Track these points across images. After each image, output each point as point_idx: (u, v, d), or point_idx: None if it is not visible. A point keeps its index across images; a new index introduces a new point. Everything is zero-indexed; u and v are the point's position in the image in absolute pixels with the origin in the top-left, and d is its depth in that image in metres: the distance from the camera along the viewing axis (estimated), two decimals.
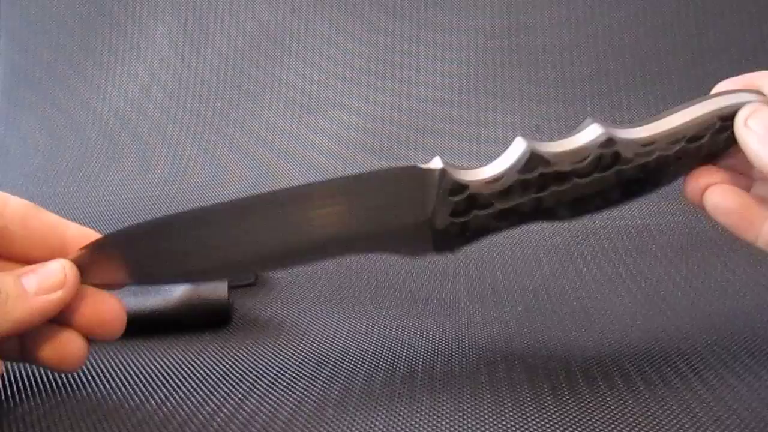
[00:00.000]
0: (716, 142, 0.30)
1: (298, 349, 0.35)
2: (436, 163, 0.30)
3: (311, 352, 0.35)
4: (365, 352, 0.35)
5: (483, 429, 0.26)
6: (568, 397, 0.29)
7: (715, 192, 0.31)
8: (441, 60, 0.71)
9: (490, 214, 0.30)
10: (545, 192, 0.29)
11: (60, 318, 0.28)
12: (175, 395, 0.29)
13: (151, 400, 0.29)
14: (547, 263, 0.52)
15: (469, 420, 0.27)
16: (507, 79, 0.69)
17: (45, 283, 0.27)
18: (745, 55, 0.67)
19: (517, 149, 0.30)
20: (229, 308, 0.40)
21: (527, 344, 0.36)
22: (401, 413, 0.28)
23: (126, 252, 0.29)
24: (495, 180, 0.29)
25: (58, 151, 0.74)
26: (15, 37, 0.79)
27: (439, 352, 0.35)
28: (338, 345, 0.36)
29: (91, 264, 0.28)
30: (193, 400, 0.29)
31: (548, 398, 0.29)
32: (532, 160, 0.29)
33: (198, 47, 0.75)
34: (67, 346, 0.28)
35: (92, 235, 0.29)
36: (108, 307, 0.29)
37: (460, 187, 0.29)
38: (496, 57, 0.70)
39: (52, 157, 0.74)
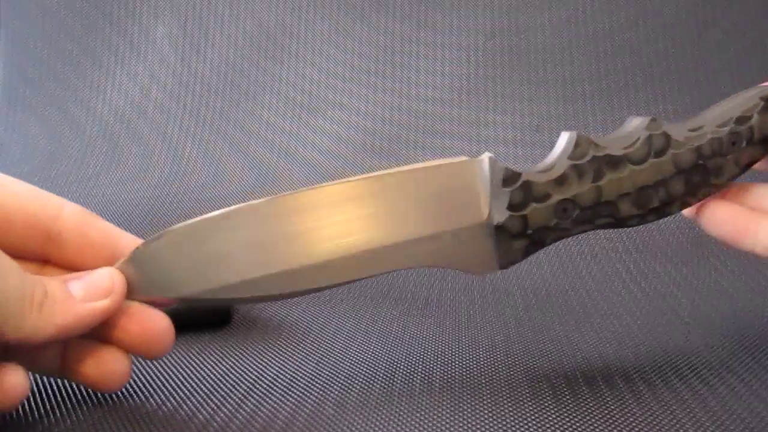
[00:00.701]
0: (766, 123, 0.30)
1: (298, 349, 0.35)
2: (484, 156, 0.29)
3: (311, 352, 0.35)
4: (365, 352, 0.35)
5: (482, 429, 0.26)
6: (567, 397, 0.29)
7: (706, 206, 0.31)
8: (441, 60, 0.71)
9: (550, 206, 0.29)
10: (603, 180, 0.29)
11: (105, 334, 0.27)
12: (175, 395, 0.29)
13: (151, 400, 0.29)
14: (547, 263, 0.53)
15: (469, 420, 0.27)
16: (507, 79, 0.69)
17: (92, 290, 0.26)
18: (746, 55, 0.67)
19: (563, 138, 0.30)
20: (229, 308, 0.40)
21: (527, 344, 0.36)
22: (400, 413, 0.28)
23: (164, 262, 0.27)
24: (547, 168, 0.29)
25: (58, 151, 0.75)
26: (15, 37, 0.79)
27: (439, 352, 0.35)
28: (338, 345, 0.36)
29: (135, 277, 0.27)
30: (193, 400, 0.29)
31: (548, 398, 0.29)
32: (581, 143, 0.29)
33: (198, 47, 0.75)
34: (111, 364, 0.27)
35: None
36: (155, 324, 0.27)
37: (514, 174, 0.28)
38: (496, 57, 0.70)
39: (52, 157, 0.74)
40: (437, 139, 0.69)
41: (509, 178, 0.28)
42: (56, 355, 0.28)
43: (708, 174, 0.30)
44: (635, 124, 0.30)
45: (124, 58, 0.77)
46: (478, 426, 0.27)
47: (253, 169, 0.69)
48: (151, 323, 0.27)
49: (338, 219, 0.28)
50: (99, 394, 0.29)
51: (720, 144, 0.30)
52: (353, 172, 0.68)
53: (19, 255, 0.27)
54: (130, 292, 0.27)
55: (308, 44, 0.73)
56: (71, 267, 0.28)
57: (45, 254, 0.28)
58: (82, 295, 0.25)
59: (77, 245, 0.27)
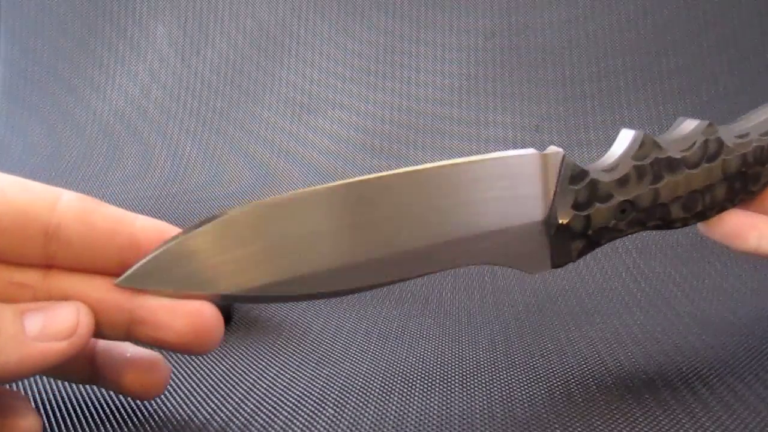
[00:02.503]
0: None
1: (298, 349, 0.35)
2: (556, 151, 0.28)
3: (311, 352, 0.35)
4: (365, 352, 0.35)
5: (483, 429, 0.26)
6: (566, 397, 0.29)
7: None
8: (441, 60, 0.71)
9: (612, 207, 0.28)
10: (660, 183, 0.29)
11: (150, 335, 0.24)
12: (176, 395, 0.29)
13: (151, 400, 0.29)
14: None
15: (469, 420, 0.27)
16: (507, 79, 0.69)
17: (51, 327, 0.22)
18: (745, 55, 0.67)
19: (627, 137, 0.29)
20: (230, 308, 0.40)
21: (527, 344, 0.36)
22: (400, 413, 0.28)
23: (208, 253, 0.24)
24: (612, 168, 0.29)
25: (58, 151, 0.75)
26: (15, 37, 0.79)
27: (439, 352, 0.35)
28: (338, 345, 0.36)
29: (169, 270, 0.24)
30: (193, 400, 0.29)
31: (546, 398, 0.29)
32: (645, 144, 0.29)
33: (198, 47, 0.75)
34: (152, 373, 0.26)
35: (165, 229, 0.24)
36: (204, 316, 0.24)
37: (582, 172, 0.28)
38: (496, 57, 0.70)
39: (52, 157, 0.74)
40: (437, 139, 0.69)
41: (577, 175, 0.28)
42: (85, 365, 0.26)
43: (747, 181, 0.30)
44: (691, 126, 0.30)
45: (124, 58, 0.77)
46: (478, 426, 0.27)
47: (253, 169, 0.69)
48: (202, 317, 0.24)
49: (394, 211, 0.26)
50: (98, 396, 0.29)
51: (762, 152, 0.30)
52: (353, 172, 0.68)
53: (17, 260, 0.23)
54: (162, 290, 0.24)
55: (308, 44, 0.73)
56: (81, 266, 0.24)
57: (49, 256, 0.23)
58: (37, 332, 0.21)
59: (83, 238, 0.23)
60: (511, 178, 0.27)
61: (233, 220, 0.24)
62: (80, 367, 0.26)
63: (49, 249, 0.23)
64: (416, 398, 0.29)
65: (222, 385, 0.30)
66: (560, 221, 0.28)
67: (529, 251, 0.28)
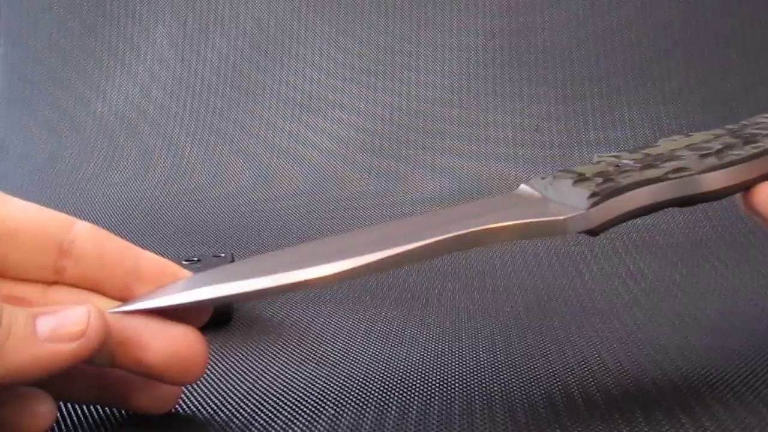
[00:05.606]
0: None
1: (298, 349, 0.35)
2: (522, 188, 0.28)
3: (311, 352, 0.35)
4: (365, 352, 0.35)
5: (483, 429, 0.26)
6: (566, 397, 0.29)
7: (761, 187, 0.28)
8: (441, 60, 0.71)
9: (601, 164, 0.27)
10: (644, 149, 0.28)
11: (135, 355, 0.24)
12: None
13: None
14: (547, 262, 0.52)
15: (469, 420, 0.27)
16: (507, 79, 0.69)
17: (61, 329, 0.22)
18: (745, 55, 0.67)
19: None
20: (230, 308, 0.40)
21: (527, 344, 0.36)
22: (400, 413, 0.28)
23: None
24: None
25: (58, 151, 0.75)
26: (15, 37, 0.80)
27: (439, 352, 0.35)
28: (338, 345, 0.36)
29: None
30: (194, 400, 0.29)
31: (545, 399, 0.29)
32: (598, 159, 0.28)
33: (198, 47, 0.75)
34: (166, 388, 0.26)
35: (167, 265, 0.25)
36: (189, 341, 0.24)
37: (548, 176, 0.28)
38: (496, 57, 0.70)
39: (52, 157, 0.74)
40: (437, 139, 0.69)
41: (545, 176, 0.28)
42: (91, 384, 0.26)
43: (763, 137, 0.29)
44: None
45: (124, 58, 0.77)
46: (478, 426, 0.27)
47: (253, 169, 0.69)
48: (184, 338, 0.24)
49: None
50: None
51: (739, 127, 0.29)
52: (353, 172, 0.68)
53: (26, 274, 0.24)
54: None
55: (308, 44, 0.73)
56: (87, 284, 0.25)
57: (57, 270, 0.25)
58: (48, 333, 0.21)
59: (95, 256, 0.25)
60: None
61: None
62: (87, 387, 0.26)
63: (59, 263, 0.24)
64: (416, 398, 0.29)
65: (222, 385, 0.30)
66: (553, 175, 0.27)
67: (548, 207, 0.27)
